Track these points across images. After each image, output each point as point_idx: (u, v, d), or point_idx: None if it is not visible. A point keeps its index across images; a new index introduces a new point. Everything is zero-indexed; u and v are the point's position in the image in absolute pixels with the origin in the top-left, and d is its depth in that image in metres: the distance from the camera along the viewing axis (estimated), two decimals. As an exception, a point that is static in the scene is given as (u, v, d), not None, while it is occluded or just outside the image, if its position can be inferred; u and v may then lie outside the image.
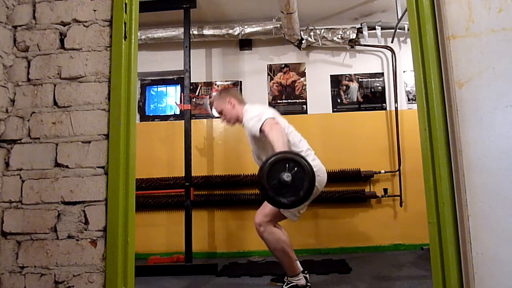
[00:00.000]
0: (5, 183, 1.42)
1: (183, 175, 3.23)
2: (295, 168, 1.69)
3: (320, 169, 2.23)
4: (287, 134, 2.23)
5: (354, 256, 3.42)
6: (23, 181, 1.42)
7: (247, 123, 2.23)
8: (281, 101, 3.94)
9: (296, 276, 2.28)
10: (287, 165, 1.69)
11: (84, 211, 1.37)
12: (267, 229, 2.20)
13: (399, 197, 3.68)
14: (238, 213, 3.75)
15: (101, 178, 1.39)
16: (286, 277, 2.39)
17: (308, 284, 2.30)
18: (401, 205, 3.67)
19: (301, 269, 2.34)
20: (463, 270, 1.20)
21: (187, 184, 3.14)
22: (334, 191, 3.65)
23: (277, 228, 2.25)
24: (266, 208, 2.21)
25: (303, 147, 2.27)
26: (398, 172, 3.72)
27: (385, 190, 3.63)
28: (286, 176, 1.67)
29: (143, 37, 3.77)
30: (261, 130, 2.10)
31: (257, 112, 2.19)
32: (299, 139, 2.31)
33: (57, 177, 1.40)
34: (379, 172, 3.69)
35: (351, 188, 3.67)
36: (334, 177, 3.66)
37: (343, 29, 3.81)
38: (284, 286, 2.29)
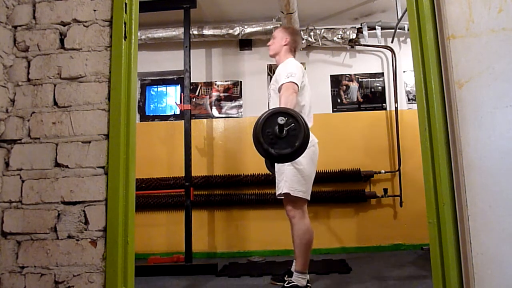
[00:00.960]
0: (5, 183, 1.42)
1: (183, 175, 3.23)
2: (290, 122, 1.69)
3: (312, 140, 2.29)
4: (300, 103, 2.32)
5: (354, 256, 3.42)
6: (23, 181, 1.42)
7: (279, 73, 2.32)
8: (281, 101, 3.94)
9: (302, 275, 2.27)
10: (285, 118, 1.68)
11: (84, 211, 1.37)
12: (297, 215, 2.24)
13: (399, 197, 3.68)
14: (238, 213, 3.75)
15: (101, 178, 1.39)
16: (286, 276, 2.39)
17: (308, 284, 2.30)
18: (401, 205, 3.67)
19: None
20: (463, 270, 1.20)
21: (187, 184, 3.14)
22: (334, 191, 3.65)
23: (307, 219, 2.28)
24: (289, 204, 2.26)
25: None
26: (398, 172, 3.72)
27: (385, 190, 3.63)
28: (281, 120, 1.64)
29: (143, 37, 3.77)
30: (280, 87, 2.21)
31: (292, 70, 2.26)
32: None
33: (57, 177, 1.40)
34: (379, 172, 3.69)
35: (351, 188, 3.67)
36: (334, 177, 3.66)
37: (343, 29, 3.81)
38: (284, 285, 2.29)
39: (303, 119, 1.71)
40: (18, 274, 1.36)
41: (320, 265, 3.02)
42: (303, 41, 3.79)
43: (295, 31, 2.58)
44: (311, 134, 2.26)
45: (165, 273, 3.00)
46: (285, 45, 2.46)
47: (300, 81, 2.26)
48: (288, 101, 2.08)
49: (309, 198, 2.31)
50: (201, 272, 2.96)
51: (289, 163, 2.20)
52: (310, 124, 2.31)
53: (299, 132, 1.68)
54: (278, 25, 3.63)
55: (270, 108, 2.32)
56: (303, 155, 1.92)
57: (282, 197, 2.31)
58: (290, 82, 2.18)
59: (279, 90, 2.23)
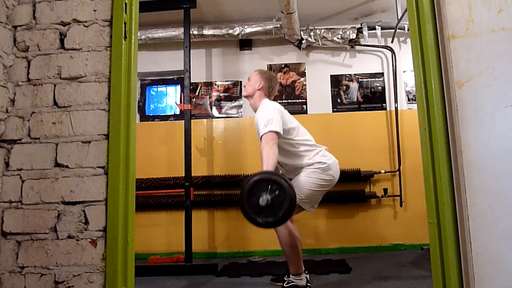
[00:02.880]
0: (5, 183, 1.42)
1: (183, 175, 3.23)
2: (276, 190, 1.72)
3: (330, 165, 2.29)
4: (293, 140, 2.29)
5: (354, 256, 3.42)
6: (23, 181, 1.42)
7: (257, 119, 2.27)
8: (281, 101, 3.94)
9: (298, 276, 2.28)
10: (268, 186, 1.72)
11: (84, 211, 1.37)
12: None
13: (399, 197, 3.68)
14: (238, 213, 3.70)
15: (101, 178, 1.39)
16: (286, 276, 2.39)
17: (308, 284, 2.30)
18: (401, 205, 3.67)
19: (303, 269, 2.34)
20: (463, 270, 1.20)
21: (187, 184, 3.14)
22: (334, 191, 3.64)
23: (292, 224, 2.26)
24: None
25: (311, 152, 2.31)
26: (398, 172, 3.72)
27: (385, 190, 3.63)
28: (262, 201, 1.70)
29: (143, 37, 3.77)
30: (260, 138, 2.14)
31: (269, 115, 2.18)
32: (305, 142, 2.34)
33: (57, 177, 1.40)
34: (379, 172, 3.69)
35: (351, 188, 3.67)
36: (334, 177, 3.66)
37: (343, 29, 3.81)
38: (284, 285, 2.29)
39: (287, 182, 1.74)
40: (18, 274, 1.36)
41: (320, 265, 3.02)
42: (303, 41, 3.79)
43: (271, 76, 2.50)
44: (326, 155, 2.33)
45: (165, 273, 3.00)
46: (258, 89, 2.41)
47: (279, 124, 2.15)
48: (269, 157, 1.99)
49: (310, 211, 2.31)
50: (201, 272, 2.96)
51: (305, 175, 2.24)
52: (319, 153, 2.32)
53: (283, 198, 1.71)
54: (278, 25, 3.63)
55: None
56: (318, 177, 2.16)
57: None
58: (269, 132, 2.09)
59: (260, 139, 2.16)
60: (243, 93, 2.53)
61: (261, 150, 2.06)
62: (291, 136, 2.29)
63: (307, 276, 2.35)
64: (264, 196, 1.69)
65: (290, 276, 2.30)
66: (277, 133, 2.11)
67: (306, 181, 2.24)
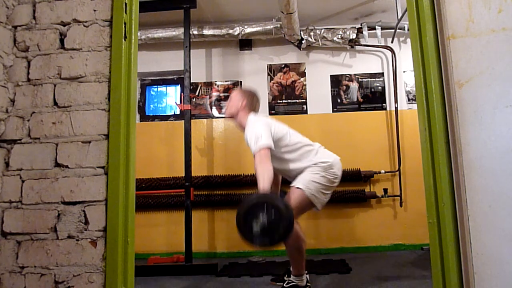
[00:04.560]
0: (5, 183, 1.42)
1: (183, 175, 3.23)
2: (272, 213, 1.74)
3: (331, 163, 2.27)
4: (288, 147, 2.28)
5: (354, 256, 3.42)
6: (23, 181, 1.42)
7: (246, 137, 2.25)
8: (281, 101, 3.94)
9: (300, 276, 2.28)
10: (265, 209, 1.75)
11: (84, 211, 1.37)
12: None
13: (399, 197, 3.68)
14: (238, 213, 3.74)
15: (101, 178, 1.39)
16: (286, 276, 2.39)
17: (308, 284, 2.30)
18: (401, 205, 3.67)
19: (305, 270, 2.35)
20: (463, 270, 1.20)
21: (187, 184, 3.14)
22: (334, 191, 3.60)
23: (297, 225, 2.24)
24: (291, 200, 2.18)
25: (309, 155, 2.29)
26: (398, 172, 3.72)
27: (385, 190, 3.63)
28: (258, 225, 1.73)
29: (143, 37, 3.77)
30: (253, 155, 2.12)
31: (257, 130, 2.16)
32: (301, 145, 2.32)
33: (57, 177, 1.40)
34: (379, 172, 3.69)
35: (351, 188, 3.67)
36: (334, 177, 3.66)
37: (343, 29, 3.81)
38: (284, 285, 2.29)
39: (285, 204, 1.78)
40: (18, 274, 1.36)
41: (320, 265, 3.02)
42: (303, 41, 3.79)
43: (251, 93, 2.47)
44: (325, 154, 2.34)
45: (165, 273, 3.00)
46: (242, 107, 2.38)
47: (269, 138, 2.14)
48: (264, 174, 1.98)
49: (318, 208, 2.26)
50: (201, 272, 2.96)
51: (308, 173, 2.22)
52: (320, 155, 2.31)
53: (279, 221, 1.74)
54: (278, 25, 3.63)
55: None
56: (322, 176, 2.18)
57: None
58: (261, 150, 2.07)
59: (254, 156, 2.15)
60: (226, 114, 2.46)
61: (255, 168, 2.05)
62: (285, 143, 2.27)
63: (307, 276, 2.36)
64: (260, 219, 1.72)
65: (291, 276, 2.30)
66: (268, 147, 2.10)
67: (311, 177, 2.21)
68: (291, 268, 2.33)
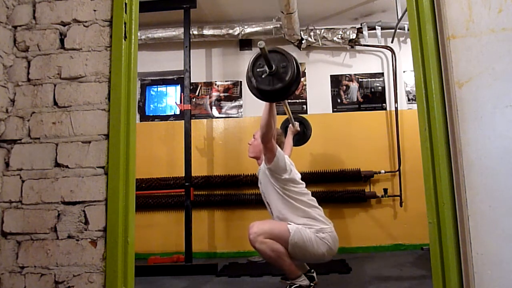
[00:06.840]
0: (5, 183, 1.42)
1: (183, 175, 3.23)
2: (279, 58, 1.73)
3: (324, 229, 2.29)
4: (295, 188, 2.34)
5: (354, 256, 3.42)
6: (23, 181, 1.42)
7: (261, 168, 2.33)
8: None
9: (298, 278, 2.28)
10: (271, 56, 1.72)
11: (84, 211, 1.37)
12: (258, 239, 2.19)
13: (399, 197, 3.68)
14: (238, 213, 3.75)
15: (101, 178, 1.39)
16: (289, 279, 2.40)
17: (311, 284, 2.31)
18: (401, 205, 3.67)
19: (303, 270, 2.34)
20: (463, 270, 1.20)
21: (187, 184, 3.14)
22: (334, 191, 3.65)
23: (269, 240, 2.22)
24: (266, 225, 2.24)
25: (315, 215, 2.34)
26: (398, 172, 3.72)
27: (385, 190, 3.63)
28: (265, 70, 1.70)
29: (143, 37, 3.77)
30: (262, 141, 2.19)
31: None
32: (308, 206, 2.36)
33: (57, 177, 1.40)
34: (379, 172, 3.69)
35: (351, 188, 3.67)
36: (334, 177, 3.66)
37: (343, 29, 3.81)
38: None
39: (292, 56, 1.75)
40: (18, 274, 1.36)
41: (320, 265, 3.02)
42: (303, 41, 3.79)
43: (277, 133, 2.48)
44: (324, 222, 2.34)
45: (165, 273, 3.00)
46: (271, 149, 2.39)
47: (284, 160, 2.26)
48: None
49: (289, 252, 2.23)
50: (201, 272, 2.96)
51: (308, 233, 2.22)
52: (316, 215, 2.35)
53: (288, 66, 1.71)
54: (278, 25, 3.63)
55: (278, 210, 2.30)
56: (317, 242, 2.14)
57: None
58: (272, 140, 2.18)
59: (262, 144, 2.22)
60: (250, 154, 2.50)
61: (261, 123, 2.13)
62: (293, 185, 2.32)
63: (314, 274, 2.37)
64: (266, 62, 1.69)
65: (289, 280, 2.30)
66: (276, 144, 2.21)
67: (305, 232, 2.22)
68: (286, 276, 2.33)
